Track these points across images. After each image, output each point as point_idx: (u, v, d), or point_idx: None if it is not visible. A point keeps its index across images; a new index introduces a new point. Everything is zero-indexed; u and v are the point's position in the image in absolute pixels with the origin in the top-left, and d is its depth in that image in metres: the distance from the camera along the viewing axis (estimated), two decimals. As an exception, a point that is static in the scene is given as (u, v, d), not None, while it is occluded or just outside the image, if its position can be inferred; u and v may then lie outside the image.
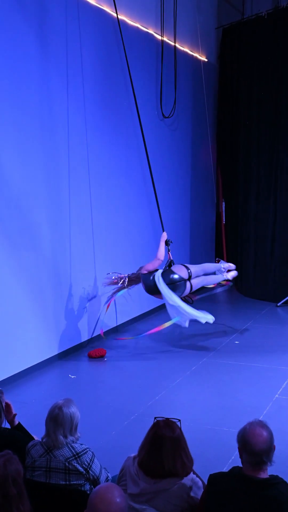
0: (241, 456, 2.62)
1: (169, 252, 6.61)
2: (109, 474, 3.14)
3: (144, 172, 8.07)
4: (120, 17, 7.18)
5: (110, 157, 7.22)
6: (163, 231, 6.70)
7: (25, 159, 5.72)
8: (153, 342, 7.08)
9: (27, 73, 5.70)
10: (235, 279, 10.18)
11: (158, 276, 6.37)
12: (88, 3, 6.61)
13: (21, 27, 5.58)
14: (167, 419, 2.81)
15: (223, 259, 10.68)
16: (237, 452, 2.71)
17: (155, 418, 2.85)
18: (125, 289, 6.68)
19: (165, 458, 2.69)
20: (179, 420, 2.82)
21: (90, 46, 6.68)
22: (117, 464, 3.17)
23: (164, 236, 6.64)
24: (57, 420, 2.98)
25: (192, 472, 2.76)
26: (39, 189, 5.95)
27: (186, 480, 2.71)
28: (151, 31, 7.97)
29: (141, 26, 7.72)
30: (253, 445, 2.53)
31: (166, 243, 6.60)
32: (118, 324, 7.56)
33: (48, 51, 5.99)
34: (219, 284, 7.67)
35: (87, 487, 2.99)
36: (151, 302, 8.37)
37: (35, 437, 3.37)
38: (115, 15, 6.66)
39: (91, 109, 6.75)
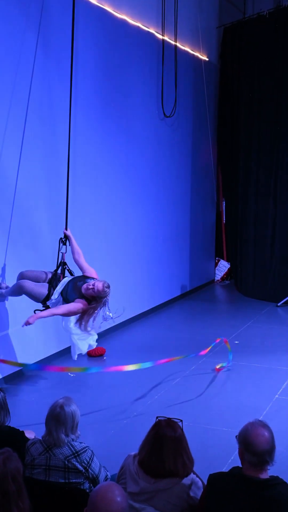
0: (241, 457, 2.61)
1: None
2: (108, 473, 3.14)
3: (146, 171, 8.08)
4: (121, 16, 7.18)
5: (110, 156, 7.22)
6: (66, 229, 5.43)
7: (25, 158, 5.72)
8: (152, 342, 7.08)
9: (28, 72, 5.70)
10: (235, 279, 10.27)
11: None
12: (89, 2, 6.61)
13: (22, 25, 5.58)
14: (169, 419, 2.81)
15: (223, 259, 10.72)
16: (236, 452, 2.70)
17: (157, 417, 2.85)
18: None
19: (166, 458, 2.68)
20: (181, 421, 2.82)
21: (91, 45, 6.68)
22: (116, 462, 3.17)
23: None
24: (59, 419, 2.98)
25: (192, 473, 2.76)
26: (39, 188, 5.95)
27: (186, 480, 2.71)
28: (152, 31, 7.97)
29: (142, 25, 7.72)
30: (256, 446, 2.53)
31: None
32: (117, 322, 7.56)
33: (49, 50, 5.99)
34: None
35: (86, 485, 2.99)
36: (150, 301, 8.39)
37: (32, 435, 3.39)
38: (116, 14, 6.66)
39: (92, 108, 6.75)
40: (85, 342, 5.23)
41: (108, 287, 4.96)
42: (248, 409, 4.91)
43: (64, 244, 5.25)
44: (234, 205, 10.11)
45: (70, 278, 5.15)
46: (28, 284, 5.04)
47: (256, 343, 6.99)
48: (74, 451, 2.98)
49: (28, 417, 4.66)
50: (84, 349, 5.29)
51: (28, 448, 3.05)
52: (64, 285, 5.04)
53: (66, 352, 6.44)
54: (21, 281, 5.09)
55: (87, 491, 2.92)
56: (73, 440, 3.02)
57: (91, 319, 4.94)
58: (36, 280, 5.14)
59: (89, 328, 4.95)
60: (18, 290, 5.09)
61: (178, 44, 8.53)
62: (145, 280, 8.15)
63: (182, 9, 8.44)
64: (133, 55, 7.55)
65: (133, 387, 5.55)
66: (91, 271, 5.17)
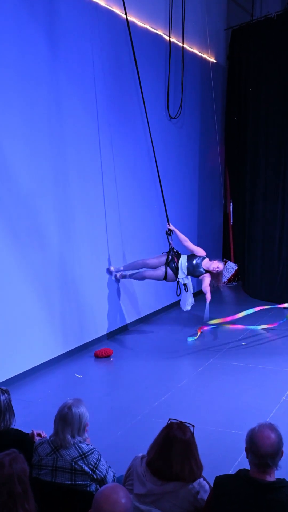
0: (248, 457, 2.60)
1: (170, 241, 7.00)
2: (115, 475, 3.13)
3: (153, 171, 8.07)
4: (130, 18, 7.18)
5: (118, 157, 7.22)
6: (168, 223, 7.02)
7: (33, 158, 5.73)
8: (159, 343, 7.07)
9: (37, 74, 5.71)
10: (242, 280, 10.23)
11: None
12: (99, 5, 6.61)
13: (32, 27, 5.59)
14: (181, 422, 2.80)
15: (230, 260, 10.69)
16: (243, 455, 2.69)
17: (169, 419, 2.84)
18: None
19: (174, 460, 2.67)
20: (193, 426, 2.80)
21: (100, 47, 6.68)
22: (122, 464, 3.16)
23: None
24: (66, 420, 2.98)
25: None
26: (47, 188, 5.96)
27: (194, 484, 2.70)
28: (160, 32, 7.96)
29: (150, 27, 7.72)
30: (259, 447, 2.51)
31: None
32: (125, 323, 7.56)
33: (59, 52, 6.00)
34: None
35: (93, 487, 2.98)
36: (158, 302, 8.38)
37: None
38: (124, 16, 6.66)
39: (99, 108, 6.75)
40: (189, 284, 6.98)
41: (226, 262, 7.32)
42: (255, 411, 4.89)
43: (170, 235, 6.94)
44: (242, 206, 10.08)
45: (185, 258, 6.86)
46: (148, 272, 6.95)
47: (263, 344, 6.96)
48: (81, 453, 2.97)
49: (34, 418, 4.67)
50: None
51: (36, 448, 3.05)
52: (185, 264, 6.82)
53: (73, 352, 6.45)
54: (142, 271, 7.01)
55: (94, 493, 2.91)
56: (80, 442, 3.01)
57: (221, 279, 7.09)
58: (154, 266, 6.95)
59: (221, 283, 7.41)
60: (140, 278, 7.05)
61: (185, 46, 8.52)
62: (151, 281, 8.13)
63: (190, 11, 8.43)
64: (141, 56, 7.55)
65: (140, 388, 5.54)
66: (198, 250, 6.91)
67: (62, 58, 6.06)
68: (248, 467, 2.63)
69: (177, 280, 6.88)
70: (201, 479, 2.73)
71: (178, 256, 6.89)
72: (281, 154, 9.43)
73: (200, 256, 6.88)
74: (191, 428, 2.78)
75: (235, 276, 10.60)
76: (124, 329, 7.49)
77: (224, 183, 10.49)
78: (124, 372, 6.09)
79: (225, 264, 10.66)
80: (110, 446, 4.23)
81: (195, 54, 9.00)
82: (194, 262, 6.81)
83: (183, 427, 2.75)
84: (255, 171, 9.72)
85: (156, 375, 5.92)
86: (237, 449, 3.92)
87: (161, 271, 6.89)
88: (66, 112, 6.15)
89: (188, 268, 6.81)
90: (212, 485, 2.70)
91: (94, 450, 3.00)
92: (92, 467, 2.96)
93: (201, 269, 6.82)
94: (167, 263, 6.87)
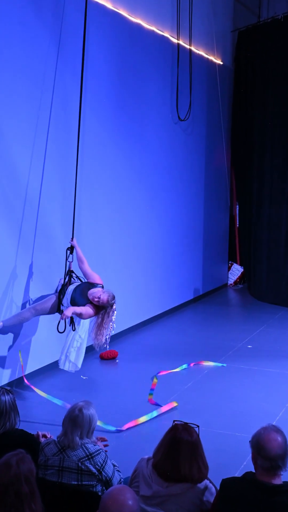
0: (254, 462, 2.61)
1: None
2: (122, 476, 3.14)
3: (160, 174, 8.09)
4: (136, 20, 7.21)
5: (124, 160, 7.24)
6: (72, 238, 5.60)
7: (39, 159, 5.76)
8: (164, 346, 7.07)
9: (41, 74, 5.74)
10: (248, 282, 10.22)
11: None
12: (105, 7, 6.64)
13: (36, 28, 5.62)
14: (186, 423, 2.81)
15: (236, 263, 10.69)
16: (249, 457, 2.69)
17: (174, 421, 2.85)
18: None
19: (181, 462, 2.68)
20: (198, 426, 2.81)
21: (105, 49, 6.71)
22: (128, 466, 3.18)
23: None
24: (76, 421, 3.00)
25: (206, 479, 2.75)
26: (53, 190, 5.98)
27: (200, 486, 2.71)
28: (166, 34, 7.98)
29: (157, 29, 7.74)
30: (269, 450, 2.52)
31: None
32: (130, 325, 7.56)
33: (63, 54, 6.02)
34: None
35: (99, 488, 2.99)
36: (163, 304, 8.38)
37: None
38: (131, 18, 6.69)
39: (105, 111, 6.77)
40: (79, 356, 5.43)
41: (113, 298, 5.18)
42: (260, 414, 4.89)
43: (71, 253, 5.52)
44: (248, 208, 10.08)
45: (76, 285, 5.35)
46: (36, 309, 5.33)
47: (269, 348, 6.95)
48: (88, 453, 2.98)
49: (39, 419, 4.68)
50: (78, 364, 5.46)
51: (42, 448, 3.07)
52: (71, 292, 5.27)
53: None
54: (24, 311, 5.34)
55: (99, 493, 2.92)
56: (87, 443, 3.02)
57: (107, 328, 5.18)
58: (46, 309, 5.36)
59: (107, 337, 5.21)
60: (25, 319, 5.36)
61: (192, 48, 8.54)
62: (157, 284, 8.15)
63: (197, 13, 8.45)
64: (147, 59, 7.57)
65: (146, 390, 5.55)
66: (94, 277, 5.40)
67: (68, 60, 6.08)
68: (253, 470, 2.64)
69: (62, 310, 5.25)
70: (208, 481, 2.75)
71: (76, 281, 5.44)
72: (288, 156, 9.45)
73: (95, 284, 5.29)
74: (196, 429, 2.79)
75: (240, 279, 10.60)
76: (130, 331, 7.50)
77: (230, 185, 10.49)
78: (129, 374, 6.10)
79: (230, 266, 10.66)
80: (116, 448, 4.24)
81: (201, 56, 9.02)
82: (85, 290, 5.22)
83: (188, 428, 2.77)
84: (261, 173, 9.73)
85: (161, 377, 5.92)
86: (243, 452, 3.93)
87: (53, 300, 5.33)
88: (71, 114, 6.16)
89: (72, 296, 5.22)
90: (218, 488, 2.71)
91: (100, 451, 3.02)
92: (98, 467, 2.97)
93: (84, 298, 5.17)
94: (60, 290, 5.35)
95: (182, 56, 8.29)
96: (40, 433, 3.55)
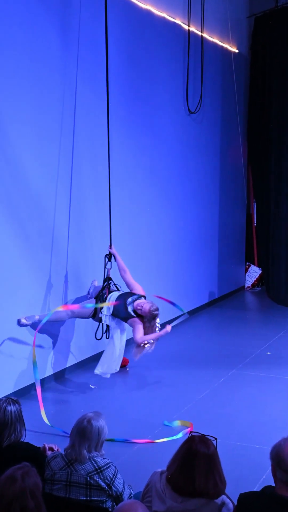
0: (274, 474, 2.60)
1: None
2: (132, 491, 3.14)
3: (172, 170, 8.09)
4: (146, 7, 7.22)
5: (135, 156, 7.24)
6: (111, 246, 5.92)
7: (44, 159, 5.79)
8: (178, 351, 7.07)
9: (49, 69, 5.77)
10: (267, 285, 10.17)
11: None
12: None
13: (44, 18, 5.65)
14: (203, 435, 2.80)
15: (253, 264, 10.66)
16: (269, 471, 2.69)
17: (190, 432, 2.84)
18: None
19: (197, 476, 2.67)
20: (216, 439, 2.80)
21: (115, 37, 6.71)
22: (139, 480, 3.17)
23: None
24: (85, 434, 2.99)
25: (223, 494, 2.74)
26: (59, 189, 6.00)
27: (216, 501, 2.69)
28: (178, 21, 7.98)
29: (168, 16, 7.74)
30: (289, 462, 2.51)
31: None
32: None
33: (72, 44, 6.04)
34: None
35: (109, 504, 2.99)
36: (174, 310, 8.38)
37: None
38: (140, 4, 6.70)
39: (116, 103, 6.78)
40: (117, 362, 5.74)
41: (157, 310, 5.56)
42: (280, 425, 4.87)
43: (110, 260, 5.83)
44: (266, 206, 10.04)
45: (118, 294, 5.69)
46: (73, 311, 5.69)
47: (289, 354, 6.93)
48: (96, 467, 2.98)
49: (47, 429, 4.70)
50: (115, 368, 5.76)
51: (48, 461, 3.07)
52: (113, 299, 5.62)
53: (87, 362, 6.47)
54: (61, 311, 5.61)
55: (110, 510, 2.92)
56: (95, 456, 3.02)
57: (153, 338, 5.58)
58: (86, 313, 5.76)
59: (151, 344, 5.62)
60: (60, 318, 5.70)
61: (205, 35, 8.52)
62: (171, 286, 8.14)
63: (210, -1, 8.44)
64: (158, 47, 7.58)
65: (158, 399, 5.55)
66: (137, 288, 5.75)
67: (77, 51, 6.10)
68: (273, 484, 2.63)
69: (100, 317, 5.67)
70: (225, 496, 2.73)
71: (108, 289, 5.74)
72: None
73: (137, 295, 5.67)
74: (214, 442, 2.77)
75: (258, 281, 10.57)
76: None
77: (247, 182, 10.46)
78: (141, 383, 6.11)
79: (248, 268, 10.63)
80: (127, 461, 4.24)
81: (215, 44, 9.01)
82: (127, 301, 5.59)
83: (206, 441, 2.75)
84: (280, 169, 9.68)
85: (174, 385, 5.92)
86: (262, 465, 3.92)
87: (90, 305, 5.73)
88: (80, 106, 6.19)
89: (115, 307, 5.59)
90: (236, 503, 2.70)
91: (110, 464, 3.01)
92: (108, 482, 2.96)
93: (130, 310, 5.55)
94: (97, 296, 5.75)
95: (194, 44, 8.28)
96: (46, 445, 3.55)
